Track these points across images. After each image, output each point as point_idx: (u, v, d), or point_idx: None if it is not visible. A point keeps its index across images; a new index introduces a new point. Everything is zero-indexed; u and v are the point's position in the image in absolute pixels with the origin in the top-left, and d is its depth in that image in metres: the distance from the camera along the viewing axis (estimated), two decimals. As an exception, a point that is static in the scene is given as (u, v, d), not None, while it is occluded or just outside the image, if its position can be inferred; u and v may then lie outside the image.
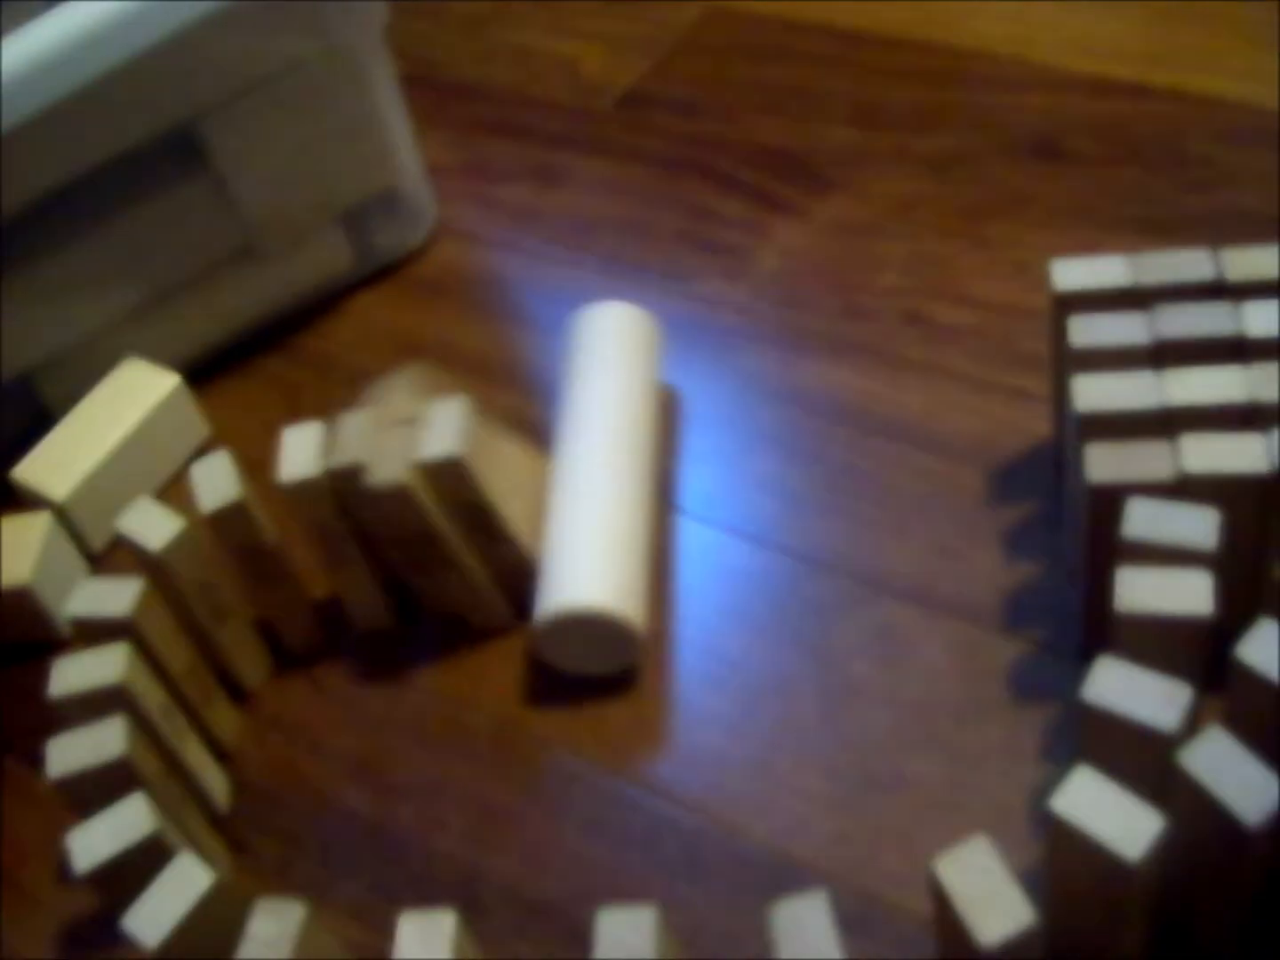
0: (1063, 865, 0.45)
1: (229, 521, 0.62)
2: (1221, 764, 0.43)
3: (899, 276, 0.78)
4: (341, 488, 0.62)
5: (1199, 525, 0.50)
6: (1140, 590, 0.49)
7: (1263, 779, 0.43)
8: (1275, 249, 0.58)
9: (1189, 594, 0.48)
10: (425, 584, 0.65)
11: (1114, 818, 0.43)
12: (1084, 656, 0.59)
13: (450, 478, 0.61)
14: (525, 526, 0.65)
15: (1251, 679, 0.46)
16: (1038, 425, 0.68)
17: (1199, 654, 0.49)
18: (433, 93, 0.98)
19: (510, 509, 0.64)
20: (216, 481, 0.63)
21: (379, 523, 0.63)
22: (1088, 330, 0.57)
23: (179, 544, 0.61)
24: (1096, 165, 0.81)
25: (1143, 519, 0.50)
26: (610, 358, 0.70)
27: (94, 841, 0.51)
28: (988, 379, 0.71)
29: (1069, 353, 0.57)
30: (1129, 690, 0.46)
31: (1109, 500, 0.52)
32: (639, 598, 0.62)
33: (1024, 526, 0.64)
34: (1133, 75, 0.86)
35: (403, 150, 0.83)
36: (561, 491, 0.65)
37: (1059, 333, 0.60)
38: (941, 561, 0.64)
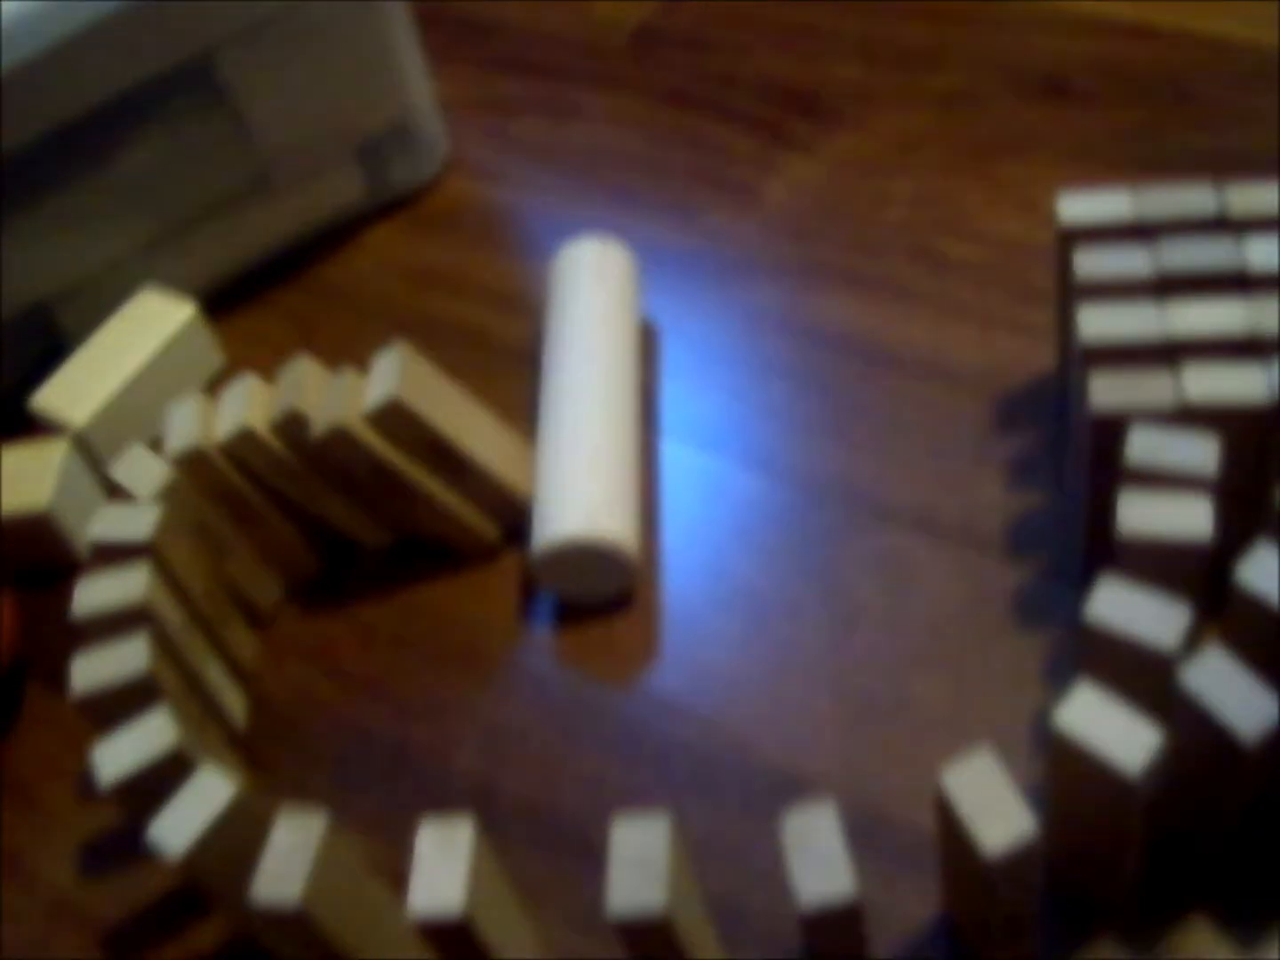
0: (1064, 780, 0.46)
1: (194, 466, 0.63)
2: (1220, 682, 0.44)
3: (906, 211, 0.78)
4: (288, 439, 0.63)
5: (1200, 451, 0.51)
6: (1142, 515, 0.50)
7: (1261, 697, 0.44)
8: (1277, 186, 0.59)
9: (1189, 518, 0.49)
10: (401, 516, 0.66)
11: (1115, 732, 0.44)
12: (1085, 582, 0.60)
13: (397, 420, 0.61)
14: (497, 455, 0.65)
15: (1250, 601, 0.47)
16: (1042, 358, 0.69)
17: (1199, 578, 0.50)
18: (446, 28, 0.98)
19: (474, 440, 0.64)
20: (184, 425, 0.64)
21: (334, 469, 0.64)
22: (1092, 262, 0.58)
23: (169, 491, 0.62)
24: (1102, 105, 0.81)
25: (1145, 445, 0.51)
26: (585, 291, 0.71)
27: (118, 754, 0.52)
28: (994, 312, 0.72)
29: (1074, 284, 0.58)
30: (1130, 609, 0.47)
31: (1112, 428, 0.53)
32: (631, 520, 0.63)
33: (1028, 456, 0.65)
34: (1139, 16, 0.86)
35: (416, 85, 0.83)
36: (549, 418, 0.67)
37: (1064, 265, 0.61)
38: (946, 490, 0.65)
